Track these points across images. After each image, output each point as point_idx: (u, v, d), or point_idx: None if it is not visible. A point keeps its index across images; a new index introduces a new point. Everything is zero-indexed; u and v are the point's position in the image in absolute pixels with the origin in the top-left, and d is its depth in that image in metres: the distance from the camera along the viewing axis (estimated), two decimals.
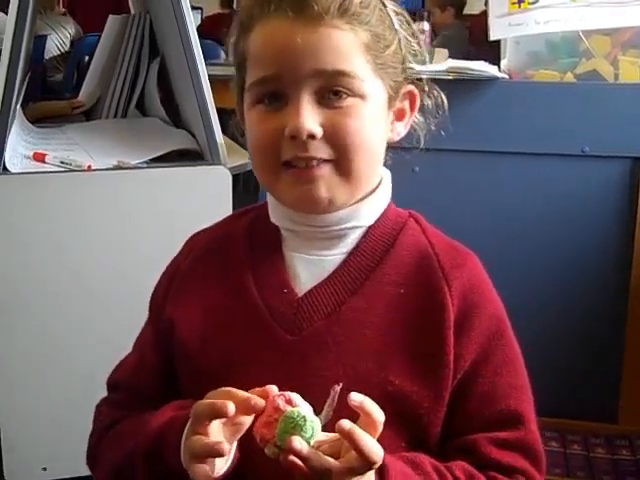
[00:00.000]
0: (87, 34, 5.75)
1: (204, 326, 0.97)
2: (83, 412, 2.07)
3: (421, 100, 1.00)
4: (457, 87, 2.00)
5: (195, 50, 1.99)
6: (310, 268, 0.96)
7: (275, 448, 0.80)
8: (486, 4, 2.19)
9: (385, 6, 0.94)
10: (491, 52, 2.21)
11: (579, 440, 1.98)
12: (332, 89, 0.89)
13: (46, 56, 4.74)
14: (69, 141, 2.24)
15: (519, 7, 2.09)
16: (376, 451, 0.79)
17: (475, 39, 3.96)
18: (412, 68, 0.98)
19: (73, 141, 2.23)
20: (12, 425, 2.02)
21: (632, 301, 2.06)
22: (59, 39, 5.70)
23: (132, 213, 2.00)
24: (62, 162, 2.00)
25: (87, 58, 3.18)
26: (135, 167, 2.03)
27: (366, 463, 0.79)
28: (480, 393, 0.93)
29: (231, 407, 0.80)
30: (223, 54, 6.11)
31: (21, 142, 2.09)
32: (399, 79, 0.95)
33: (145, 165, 2.06)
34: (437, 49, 2.23)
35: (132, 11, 2.88)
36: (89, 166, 2.00)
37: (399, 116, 0.98)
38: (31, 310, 1.98)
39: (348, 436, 0.78)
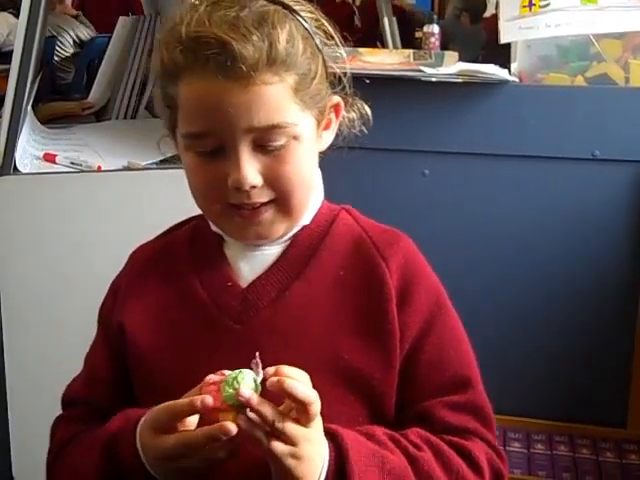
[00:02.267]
0: (97, 35, 5.78)
1: (153, 328, 1.00)
2: None
3: (346, 104, 1.03)
4: (467, 90, 2.00)
5: None
6: (251, 262, 1.00)
7: (228, 413, 0.82)
8: (496, 7, 2.18)
9: (303, 25, 0.94)
10: (501, 55, 2.20)
11: (588, 444, 1.98)
12: (267, 140, 0.91)
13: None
14: (79, 142, 2.25)
15: (530, 10, 2.09)
16: (308, 392, 0.82)
17: (486, 42, 3.95)
18: (335, 72, 1.01)
19: (83, 142, 2.24)
20: (22, 425, 2.03)
21: None
22: (59, 42, 5.72)
23: (142, 214, 2.01)
24: (72, 163, 2.01)
25: (96, 59, 3.19)
26: (145, 168, 2.04)
27: (304, 408, 0.82)
28: (428, 361, 0.97)
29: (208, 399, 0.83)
30: None
31: (31, 142, 2.10)
32: (325, 100, 0.98)
33: (155, 166, 2.06)
34: (447, 52, 2.22)
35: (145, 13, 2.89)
36: (99, 167, 2.01)
37: (326, 126, 1.01)
38: (38, 311, 1.98)
39: (279, 386, 0.81)
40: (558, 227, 2.07)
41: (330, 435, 0.87)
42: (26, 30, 1.89)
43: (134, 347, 1.00)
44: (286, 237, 1.00)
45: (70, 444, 1.02)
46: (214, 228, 1.03)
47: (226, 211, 0.95)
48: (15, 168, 1.93)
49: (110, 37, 2.71)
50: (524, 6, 2.09)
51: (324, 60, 0.97)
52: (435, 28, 3.29)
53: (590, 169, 2.03)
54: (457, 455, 0.94)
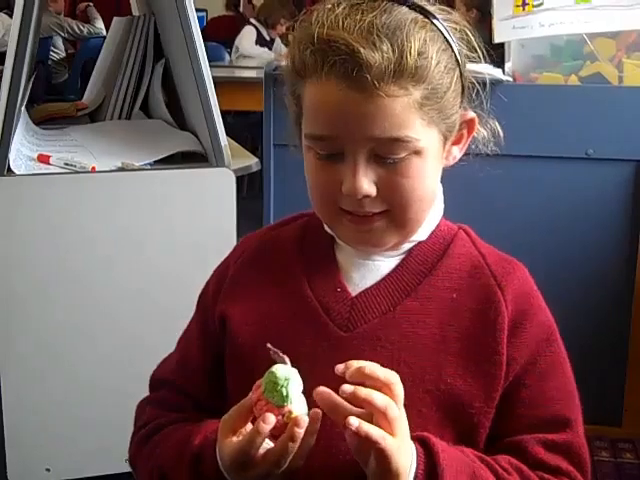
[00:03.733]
0: (91, 36, 5.77)
1: (257, 322, 0.98)
2: (87, 414, 2.08)
3: (480, 120, 1.00)
4: None
5: (199, 52, 2.00)
6: (363, 271, 0.98)
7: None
8: (490, 7, 2.18)
9: (444, 35, 0.91)
10: (495, 55, 2.20)
11: None
12: (386, 152, 0.89)
13: None
14: (73, 143, 2.24)
15: (523, 10, 2.09)
16: (389, 372, 0.83)
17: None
18: (473, 86, 0.98)
19: (77, 143, 2.24)
20: (16, 426, 2.03)
21: (636, 304, 2.06)
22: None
23: (136, 214, 2.00)
24: (66, 164, 2.00)
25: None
26: (139, 169, 2.04)
27: (389, 388, 0.82)
28: (528, 396, 0.94)
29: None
30: (227, 56, 6.13)
31: (25, 143, 2.10)
32: (456, 115, 0.94)
33: (149, 167, 2.06)
34: None
35: (134, 13, 2.88)
36: (93, 168, 2.00)
37: (456, 141, 0.98)
38: (34, 311, 1.98)
39: (360, 372, 0.82)
40: (552, 226, 2.08)
41: (420, 440, 0.86)
42: (19, 31, 1.89)
43: (235, 339, 0.98)
44: (401, 251, 0.98)
45: (155, 435, 1.00)
46: (327, 229, 1.01)
47: (338, 214, 0.93)
48: (9, 169, 1.92)
49: (103, 38, 2.71)
50: (518, 5, 2.09)
51: (461, 74, 0.93)
52: None
53: (584, 168, 2.04)
54: None
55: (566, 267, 2.09)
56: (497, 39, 2.12)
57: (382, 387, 0.82)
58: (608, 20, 2.06)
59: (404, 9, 0.89)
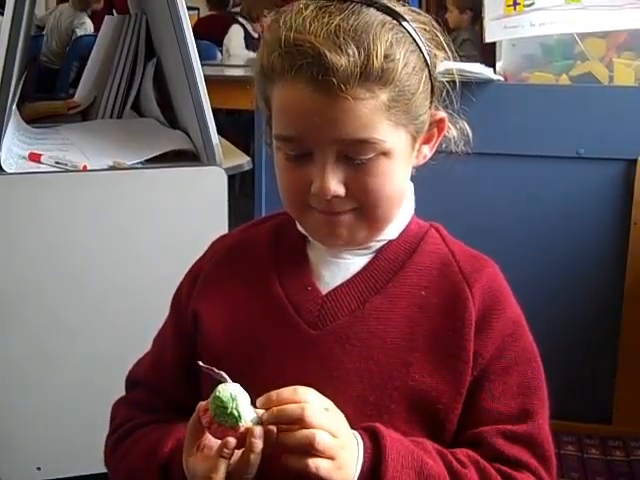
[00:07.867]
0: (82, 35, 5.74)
1: (228, 321, 0.99)
2: (77, 412, 2.08)
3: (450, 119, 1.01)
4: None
5: (191, 51, 1.99)
6: (334, 269, 0.99)
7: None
8: (481, 7, 2.19)
9: (412, 37, 0.91)
10: (486, 54, 2.21)
11: (573, 441, 1.99)
12: (354, 153, 0.90)
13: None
14: (65, 141, 2.24)
15: (514, 10, 2.10)
16: (297, 435, 0.82)
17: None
18: (443, 84, 0.99)
19: (69, 141, 2.23)
20: (7, 425, 2.02)
21: (626, 302, 2.07)
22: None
23: (127, 213, 2.00)
24: (57, 162, 2.00)
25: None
26: (131, 167, 2.03)
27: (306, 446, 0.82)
28: (490, 390, 0.95)
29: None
30: (219, 55, 6.12)
31: (16, 142, 2.09)
32: (425, 116, 0.95)
33: (141, 166, 2.06)
34: None
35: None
36: (84, 166, 2.00)
37: (426, 140, 0.99)
38: (25, 311, 1.98)
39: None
40: (543, 226, 2.08)
41: (371, 433, 0.87)
42: (10, 29, 1.88)
43: (207, 338, 1.00)
44: (371, 249, 0.99)
45: (128, 438, 1.02)
46: (300, 228, 1.02)
47: (307, 210, 0.95)
48: (0, 168, 1.92)
49: (95, 36, 2.71)
50: (509, 5, 2.10)
51: (430, 74, 0.94)
52: None
53: (575, 167, 2.05)
54: None
55: (556, 266, 2.10)
56: (488, 39, 2.13)
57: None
58: (598, 20, 2.07)
59: (372, 11, 0.90)
